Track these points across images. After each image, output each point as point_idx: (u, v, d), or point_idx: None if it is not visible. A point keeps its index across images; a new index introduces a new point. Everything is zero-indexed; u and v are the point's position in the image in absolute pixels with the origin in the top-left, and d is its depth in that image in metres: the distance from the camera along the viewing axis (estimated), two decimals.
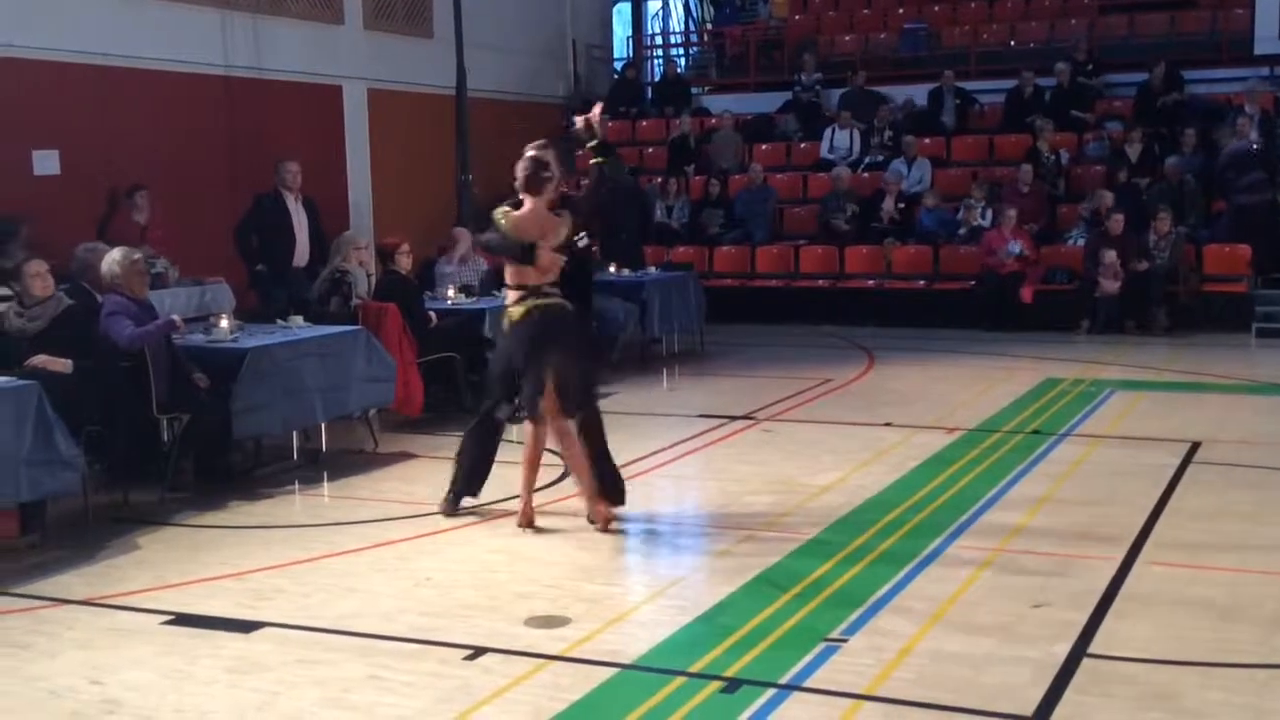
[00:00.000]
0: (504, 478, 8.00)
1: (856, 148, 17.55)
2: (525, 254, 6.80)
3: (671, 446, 8.92)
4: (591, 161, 7.05)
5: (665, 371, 12.48)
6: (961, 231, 15.39)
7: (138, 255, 8.14)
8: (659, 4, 25.18)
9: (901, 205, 16.05)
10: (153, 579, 6.32)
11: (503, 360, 7.07)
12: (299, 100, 14.74)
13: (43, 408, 6.72)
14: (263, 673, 5.08)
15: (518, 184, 6.92)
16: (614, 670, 5.02)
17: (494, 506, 7.43)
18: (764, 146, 18.43)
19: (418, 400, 9.72)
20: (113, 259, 7.97)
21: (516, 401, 7.09)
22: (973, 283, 14.88)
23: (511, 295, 6.97)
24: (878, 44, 19.83)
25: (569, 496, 7.45)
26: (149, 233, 11.30)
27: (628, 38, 23.59)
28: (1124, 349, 13.07)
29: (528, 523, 7.00)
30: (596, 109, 7.20)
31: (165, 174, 12.75)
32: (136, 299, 7.95)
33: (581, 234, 6.90)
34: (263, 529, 7.24)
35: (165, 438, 7.94)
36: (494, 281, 11.44)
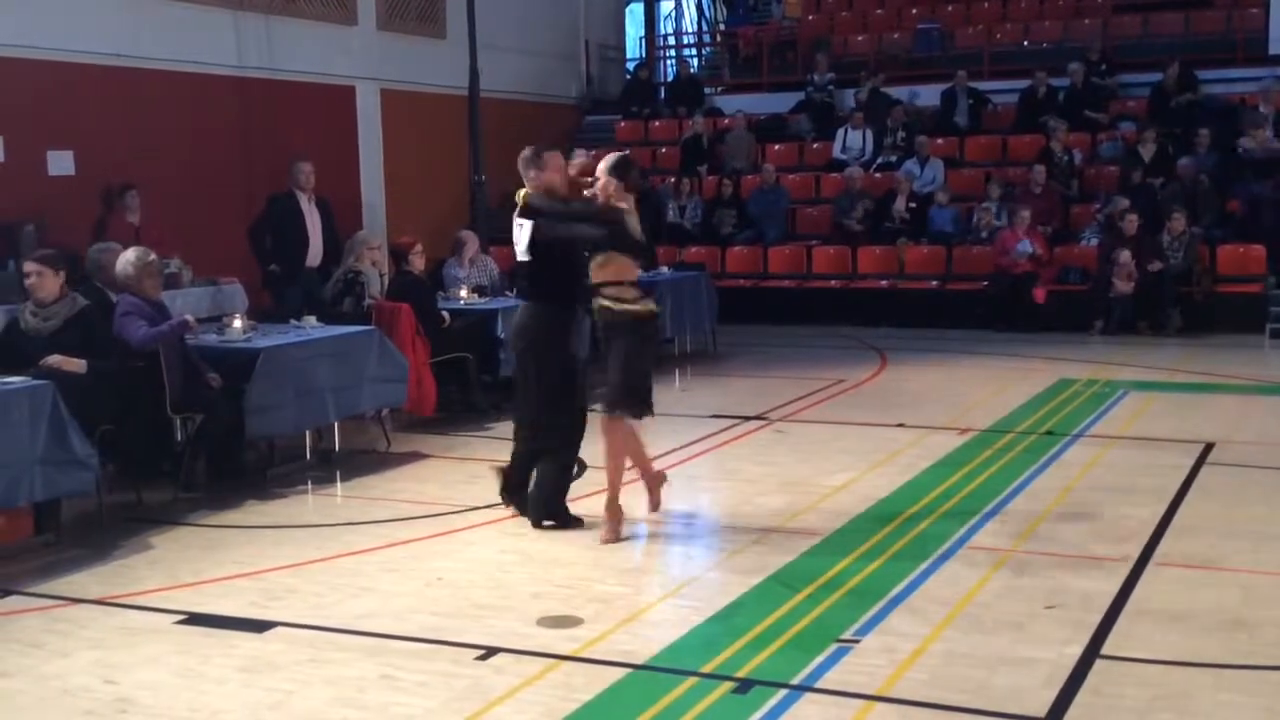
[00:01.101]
0: None
1: (869, 148, 17.54)
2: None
3: (684, 447, 8.92)
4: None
5: (677, 371, 12.47)
6: (984, 234, 15.34)
7: (152, 256, 8.14)
8: (672, 4, 25.20)
9: (913, 205, 16.03)
10: (166, 578, 6.34)
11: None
12: (312, 100, 14.78)
13: (57, 408, 6.74)
14: (275, 672, 5.09)
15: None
16: (626, 670, 5.02)
17: (506, 507, 7.43)
18: (777, 147, 18.41)
19: (431, 400, 9.74)
20: (127, 259, 7.99)
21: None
22: (985, 283, 14.86)
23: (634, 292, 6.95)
24: (891, 44, 19.81)
25: (586, 495, 7.45)
26: (142, 232, 11.29)
27: (641, 38, 23.61)
28: (1137, 350, 13.03)
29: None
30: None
31: (179, 174, 12.80)
32: (150, 299, 7.97)
33: None
34: (275, 529, 7.26)
35: (179, 437, 7.95)
36: (506, 282, 11.48)
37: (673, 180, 17.45)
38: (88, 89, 12.27)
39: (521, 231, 6.86)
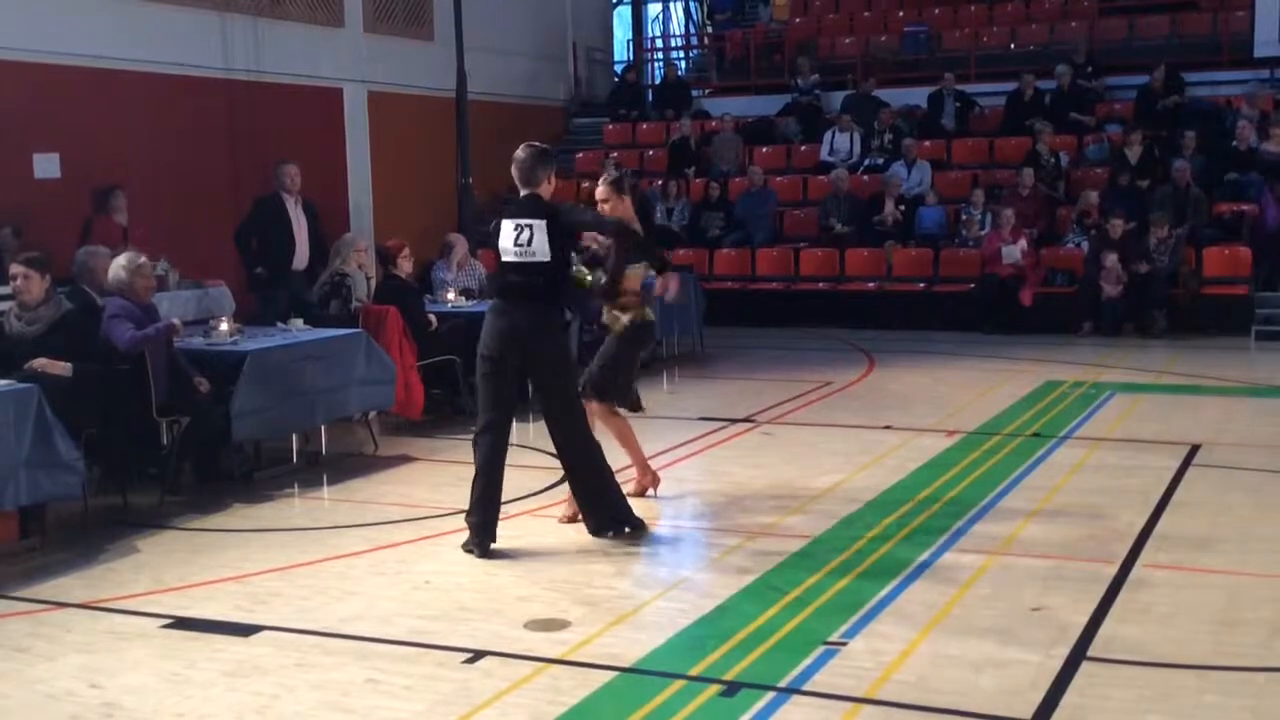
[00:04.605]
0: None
1: (857, 150, 17.57)
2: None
3: (671, 449, 8.92)
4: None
5: (665, 374, 12.47)
6: (970, 243, 15.36)
7: (143, 260, 8.13)
8: (659, 7, 25.22)
9: (902, 208, 16.06)
10: (152, 582, 6.33)
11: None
12: (299, 102, 14.76)
13: (43, 411, 6.72)
14: (261, 676, 5.08)
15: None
16: (613, 673, 5.02)
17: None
18: (764, 149, 18.44)
19: (418, 403, 9.73)
20: (119, 264, 7.97)
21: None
22: (973, 285, 14.89)
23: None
24: (878, 47, 19.84)
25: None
26: (130, 233, 11.29)
27: (628, 40, 23.63)
28: (1124, 352, 13.07)
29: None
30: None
31: (165, 177, 12.77)
32: (140, 303, 7.94)
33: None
34: (262, 532, 7.24)
35: (165, 440, 7.93)
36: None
37: (660, 183, 17.46)
38: (74, 91, 12.23)
39: (535, 233, 6.53)
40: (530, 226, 6.56)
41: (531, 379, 6.78)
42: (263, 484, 8.31)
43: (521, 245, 6.56)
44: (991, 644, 5.23)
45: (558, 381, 6.78)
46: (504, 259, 6.67)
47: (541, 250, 6.55)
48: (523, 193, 6.71)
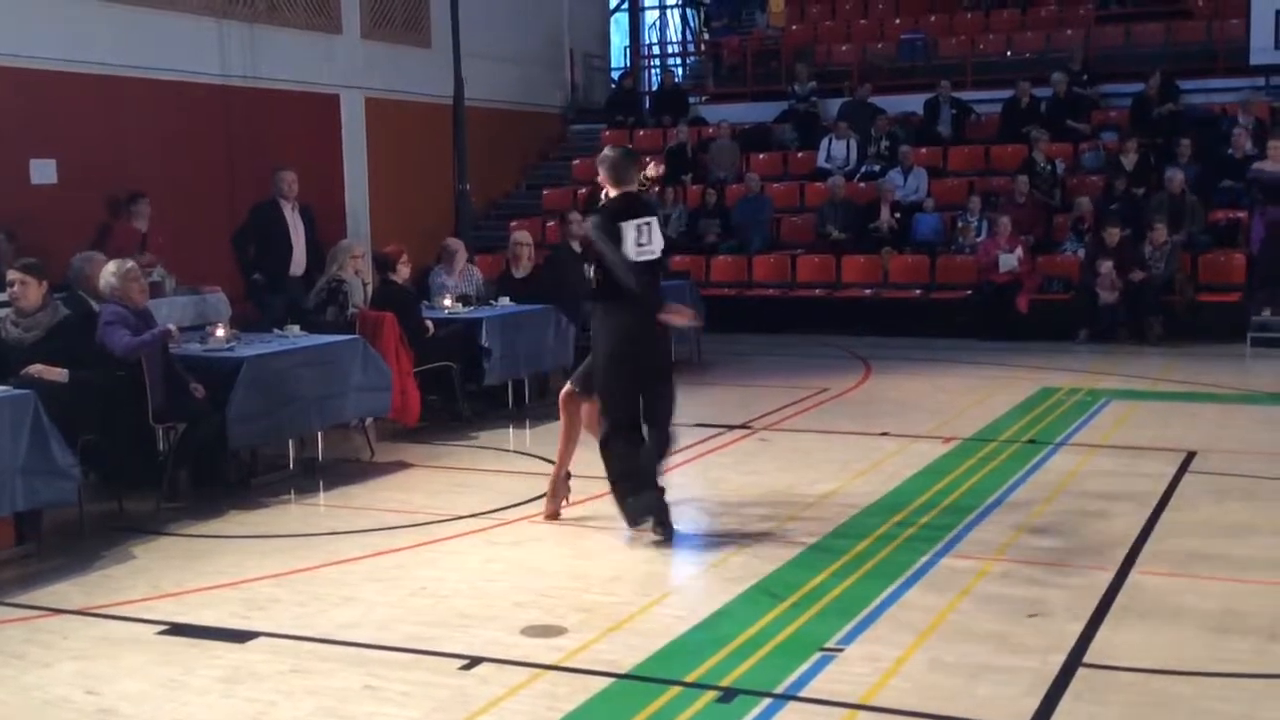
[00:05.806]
0: (497, 488, 8.05)
1: (853, 157, 17.59)
2: None
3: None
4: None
5: None
6: (967, 250, 15.38)
7: (130, 264, 8.11)
8: (656, 13, 25.24)
9: (898, 215, 16.08)
10: (148, 588, 6.32)
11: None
12: (296, 109, 14.77)
13: (39, 417, 6.71)
14: (258, 683, 5.08)
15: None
16: (610, 680, 5.02)
17: (490, 515, 7.44)
18: (761, 156, 18.45)
19: (415, 409, 9.72)
20: (109, 272, 7.96)
21: None
22: (969, 292, 14.91)
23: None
24: (875, 54, 19.88)
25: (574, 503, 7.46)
26: (150, 240, 11.33)
27: (625, 47, 23.64)
28: (1120, 359, 13.07)
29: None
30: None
31: (163, 183, 12.76)
32: (136, 308, 7.94)
33: None
34: (258, 538, 7.24)
35: (161, 447, 7.93)
36: (492, 291, 11.48)
37: (657, 189, 17.43)
38: (71, 97, 12.24)
39: (654, 230, 6.95)
40: (649, 224, 6.93)
41: (658, 374, 7.04)
42: (259, 490, 8.31)
43: (643, 244, 6.88)
44: (987, 650, 5.23)
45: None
46: (632, 260, 6.80)
47: (659, 245, 7.01)
48: (613, 193, 6.97)
